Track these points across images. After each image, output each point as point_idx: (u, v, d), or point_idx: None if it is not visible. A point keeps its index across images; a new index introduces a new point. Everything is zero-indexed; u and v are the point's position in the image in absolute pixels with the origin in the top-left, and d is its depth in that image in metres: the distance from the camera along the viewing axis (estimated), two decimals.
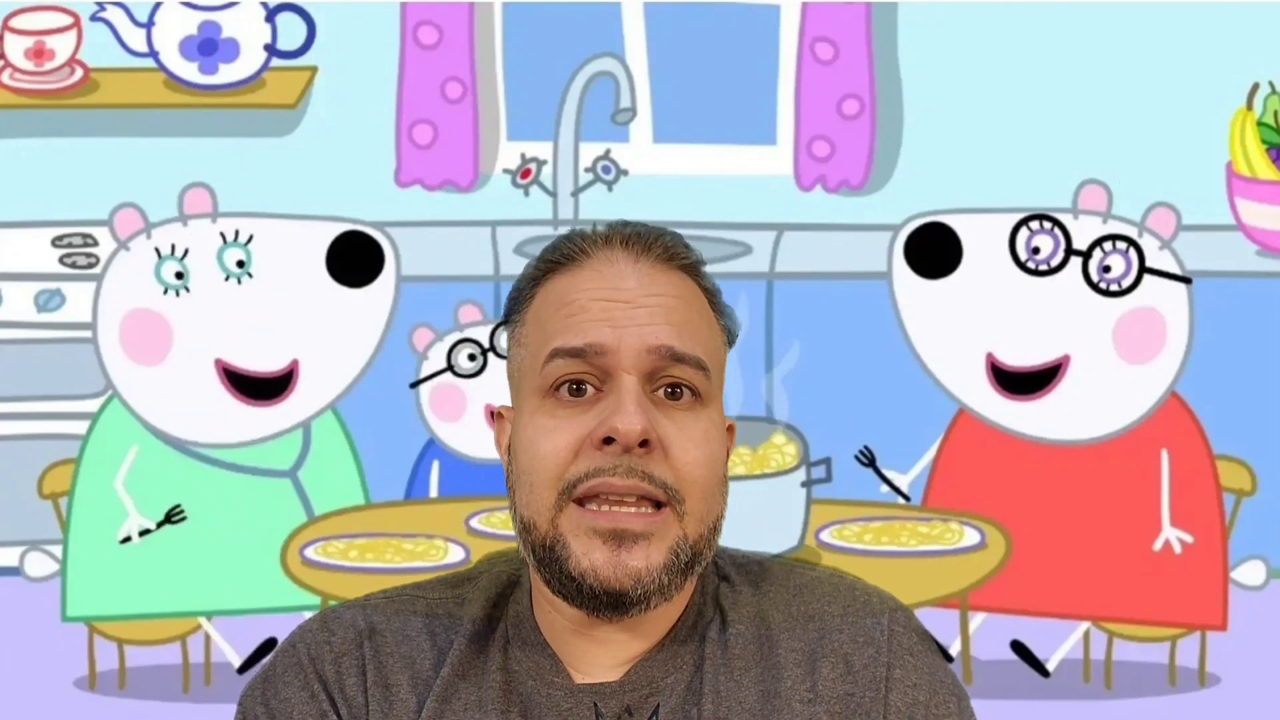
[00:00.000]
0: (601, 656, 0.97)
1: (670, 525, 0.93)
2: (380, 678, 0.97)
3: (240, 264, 2.32)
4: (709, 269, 1.02)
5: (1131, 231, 2.30)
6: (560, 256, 0.99)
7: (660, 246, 0.98)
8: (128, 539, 2.32)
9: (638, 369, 0.93)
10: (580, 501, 0.93)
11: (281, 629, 2.41)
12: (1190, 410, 2.31)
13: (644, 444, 0.92)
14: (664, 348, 0.94)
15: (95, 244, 2.37)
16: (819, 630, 0.99)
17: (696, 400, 0.95)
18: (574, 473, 0.93)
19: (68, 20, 2.38)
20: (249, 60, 2.41)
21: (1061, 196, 2.31)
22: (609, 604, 0.93)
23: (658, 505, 0.93)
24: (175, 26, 2.39)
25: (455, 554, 2.16)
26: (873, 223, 2.39)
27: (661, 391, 0.95)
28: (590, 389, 0.94)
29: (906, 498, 2.34)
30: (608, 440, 0.92)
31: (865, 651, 0.98)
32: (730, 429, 1.03)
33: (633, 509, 0.93)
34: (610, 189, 2.46)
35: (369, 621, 1.00)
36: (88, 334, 2.32)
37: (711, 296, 1.01)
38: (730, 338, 1.03)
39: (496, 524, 2.19)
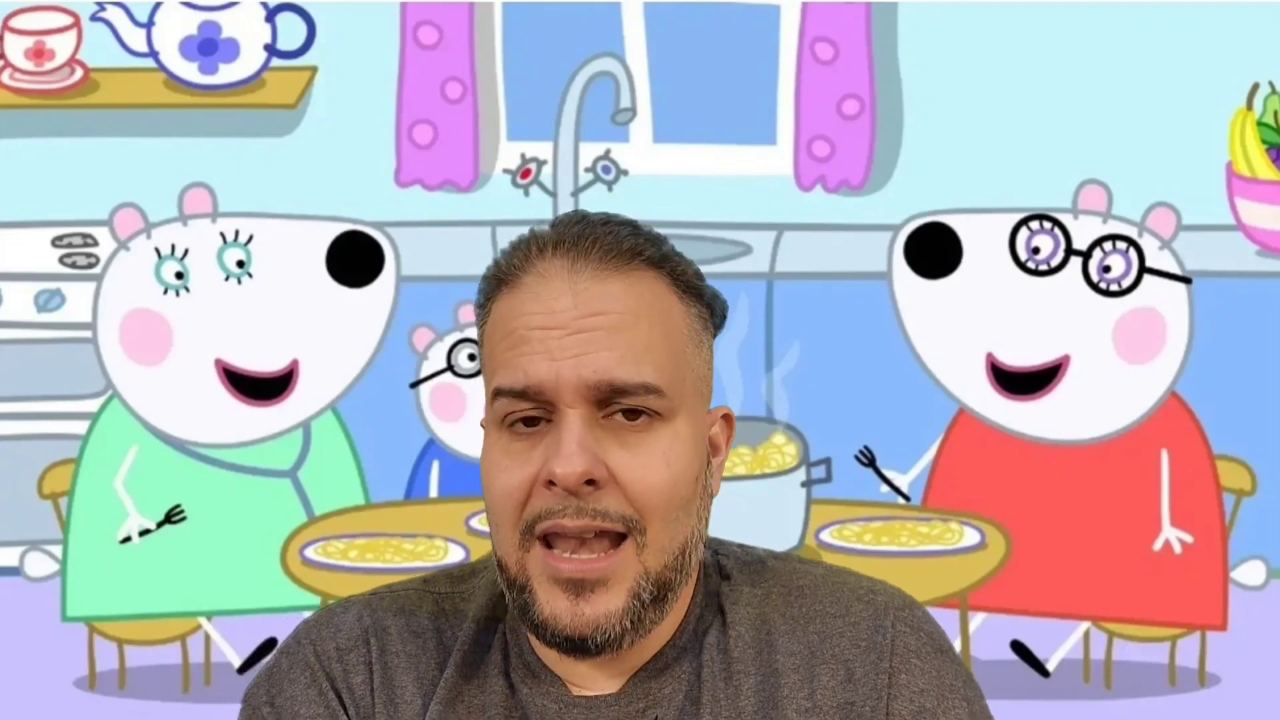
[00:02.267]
0: (599, 670, 0.95)
1: (629, 564, 0.89)
2: (386, 677, 0.96)
3: (240, 264, 2.32)
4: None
5: (1131, 231, 2.30)
6: (500, 273, 0.95)
7: (599, 248, 0.92)
8: (128, 539, 2.32)
9: (582, 401, 0.89)
10: (545, 539, 0.90)
11: (281, 629, 2.41)
12: (1190, 410, 2.31)
13: (590, 482, 0.88)
14: (603, 383, 0.89)
15: (95, 244, 2.37)
16: (819, 633, 0.96)
17: (656, 418, 0.90)
18: (529, 513, 0.90)
19: (68, 20, 2.38)
20: (249, 60, 2.41)
21: (1061, 196, 2.31)
22: (575, 650, 0.90)
23: (619, 538, 0.90)
24: (175, 26, 2.39)
25: (455, 554, 2.16)
26: (873, 223, 2.39)
27: (618, 415, 0.90)
28: (543, 420, 0.91)
29: (906, 498, 2.34)
30: (552, 482, 0.89)
31: (867, 657, 0.95)
32: (727, 418, 0.98)
33: (591, 552, 0.89)
34: (610, 189, 2.46)
35: (375, 618, 0.98)
36: (88, 334, 2.32)
37: (679, 280, 0.94)
38: (715, 319, 0.97)
39: None
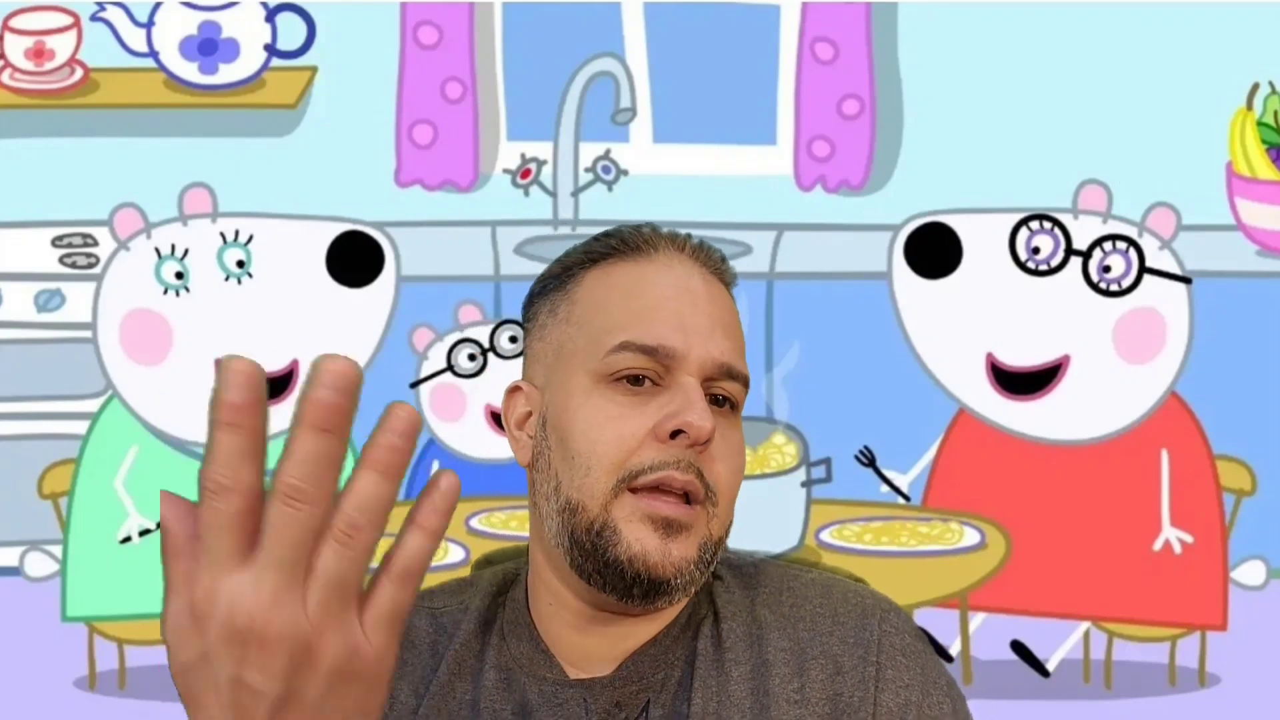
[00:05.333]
0: (595, 651, 0.98)
1: (702, 522, 0.96)
2: None
3: (240, 264, 2.32)
4: None
5: (1131, 231, 2.30)
6: (623, 245, 1.01)
7: (714, 260, 1.04)
8: (128, 539, 2.31)
9: (701, 374, 0.97)
10: (634, 490, 0.95)
11: None
12: (1190, 410, 2.31)
13: (706, 441, 0.95)
14: (725, 364, 0.98)
15: (95, 244, 2.37)
16: (809, 631, 0.99)
17: (734, 412, 1.00)
18: (636, 463, 0.95)
19: (68, 20, 2.38)
20: (249, 60, 2.41)
21: (1061, 196, 2.31)
22: (647, 591, 0.95)
23: (689, 502, 0.96)
24: (175, 26, 2.39)
25: (455, 554, 2.16)
26: (873, 223, 2.39)
27: (709, 399, 0.98)
28: (649, 383, 0.97)
29: (906, 498, 2.34)
30: (674, 434, 0.94)
31: (855, 652, 0.98)
32: None
33: (685, 505, 0.95)
34: (610, 189, 2.46)
35: None
36: (88, 334, 2.32)
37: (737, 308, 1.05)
38: None
39: (496, 524, 2.19)
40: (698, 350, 0.97)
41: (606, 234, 1.03)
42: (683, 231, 1.04)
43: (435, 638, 1.00)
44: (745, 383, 1.00)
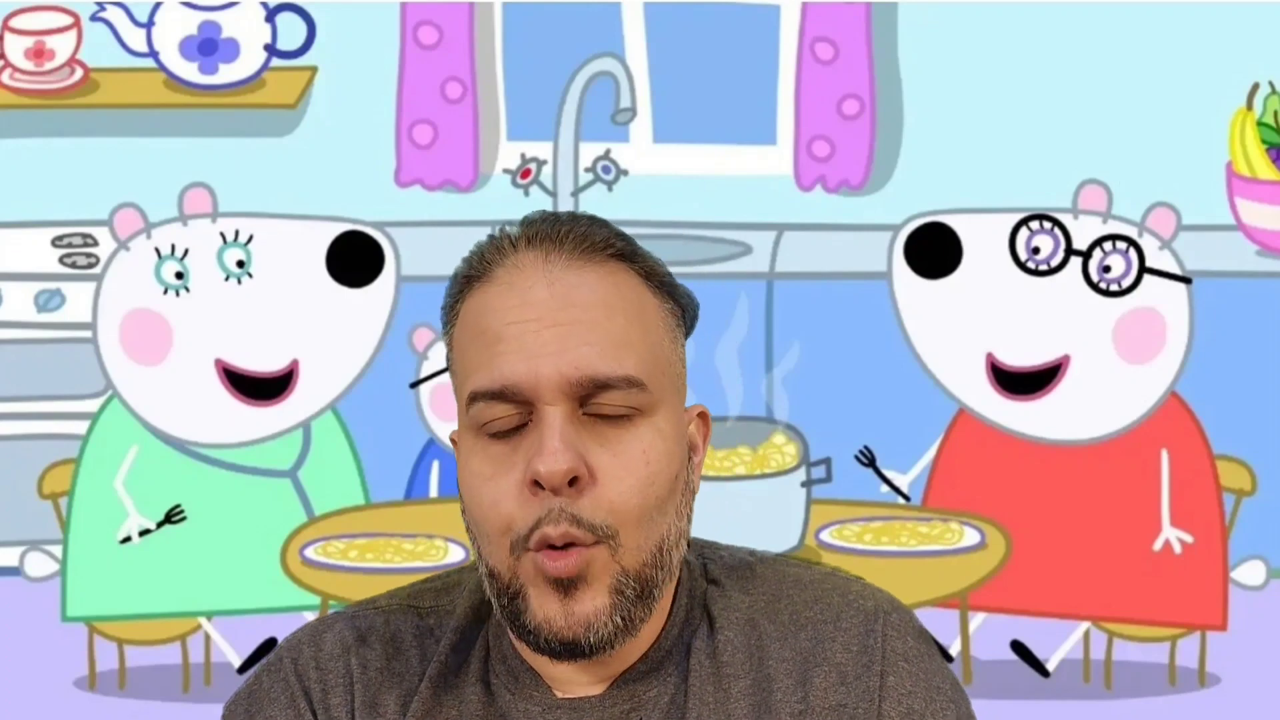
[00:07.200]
0: (583, 673, 0.94)
1: (604, 563, 0.88)
2: (368, 697, 0.95)
3: (240, 264, 2.32)
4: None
5: (1131, 231, 2.30)
6: (471, 270, 0.92)
7: (572, 239, 0.90)
8: (128, 539, 2.31)
9: (562, 398, 0.87)
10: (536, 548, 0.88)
11: (281, 629, 2.41)
12: (1190, 410, 2.31)
13: (573, 481, 0.86)
14: (585, 378, 0.87)
15: (95, 244, 2.37)
16: (811, 638, 0.95)
17: (637, 414, 0.89)
18: (519, 527, 0.88)
19: (68, 20, 2.38)
20: (249, 60, 2.41)
21: (1061, 196, 2.31)
22: (569, 653, 0.89)
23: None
24: (175, 26, 2.39)
25: (455, 554, 2.16)
26: (873, 223, 2.39)
27: (598, 410, 0.88)
28: (518, 427, 0.88)
29: (906, 498, 2.34)
30: (537, 483, 0.86)
31: (859, 659, 0.94)
32: (702, 415, 0.97)
33: (570, 555, 0.88)
34: (610, 189, 2.46)
35: (359, 635, 0.97)
36: (88, 334, 2.32)
37: (651, 278, 0.92)
38: (688, 316, 0.96)
39: None
40: (547, 374, 0.86)
41: (462, 260, 0.94)
42: (550, 215, 0.92)
43: (422, 639, 0.97)
44: (634, 383, 0.87)
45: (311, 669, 0.96)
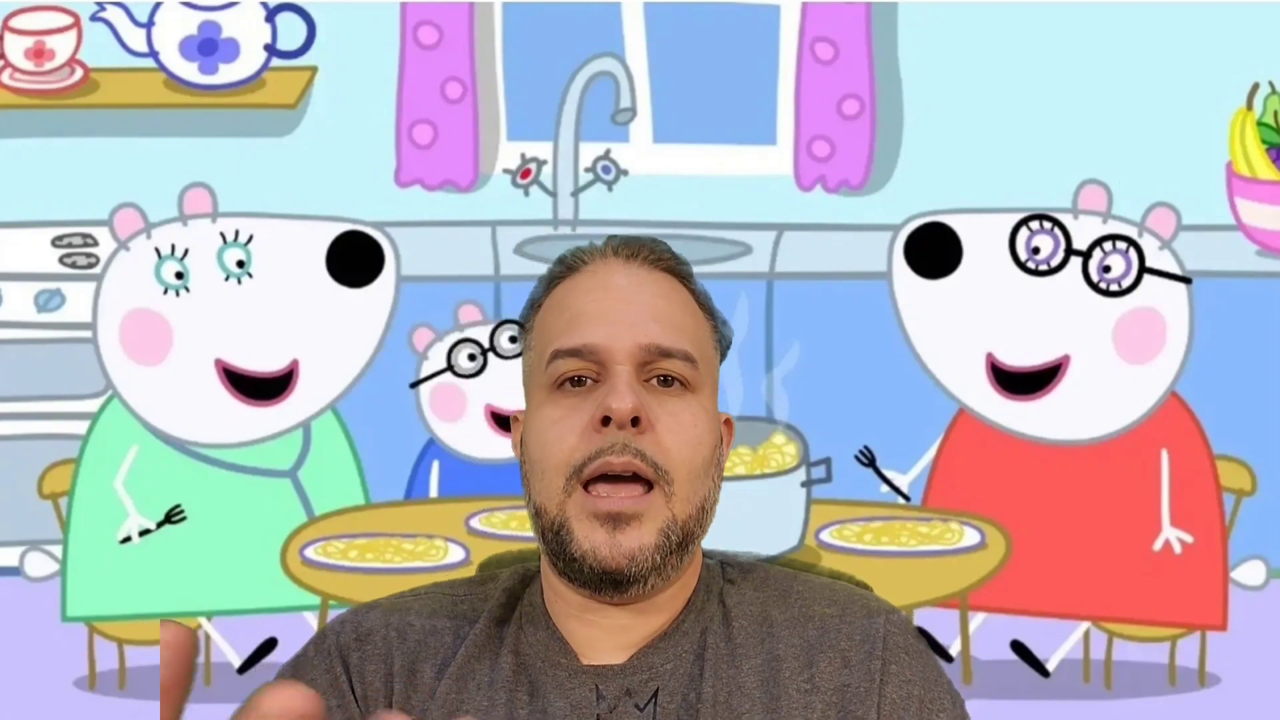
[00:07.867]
0: (607, 641, 1.03)
1: (659, 506, 1.00)
2: (406, 663, 1.04)
3: (240, 264, 2.32)
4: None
5: (1131, 231, 2.30)
6: (562, 268, 1.08)
7: (648, 250, 1.07)
8: (128, 539, 2.32)
9: (630, 361, 1.01)
10: (586, 485, 1.00)
11: (281, 629, 2.41)
12: (1190, 410, 2.31)
13: (635, 422, 0.99)
14: (653, 345, 1.02)
15: (95, 244, 2.37)
16: (818, 630, 1.04)
17: (686, 389, 1.03)
18: (579, 457, 1.00)
19: (68, 20, 2.38)
20: (249, 60, 2.41)
21: (1061, 196, 2.31)
22: (608, 584, 1.00)
23: (648, 486, 1.00)
24: (175, 26, 2.40)
25: (455, 554, 2.16)
26: (873, 223, 2.39)
27: (654, 380, 1.02)
28: (590, 381, 1.02)
29: (906, 498, 2.34)
30: (605, 421, 0.99)
31: (862, 648, 1.03)
32: (728, 424, 1.09)
33: (625, 493, 0.99)
34: (610, 189, 2.46)
35: (401, 617, 1.07)
36: (88, 334, 2.32)
37: (701, 299, 1.08)
38: (724, 342, 1.10)
39: (496, 524, 2.19)
40: (623, 340, 1.02)
41: (558, 258, 1.11)
42: (622, 234, 1.09)
43: (457, 623, 1.07)
44: (689, 358, 1.03)
45: (352, 640, 1.06)
